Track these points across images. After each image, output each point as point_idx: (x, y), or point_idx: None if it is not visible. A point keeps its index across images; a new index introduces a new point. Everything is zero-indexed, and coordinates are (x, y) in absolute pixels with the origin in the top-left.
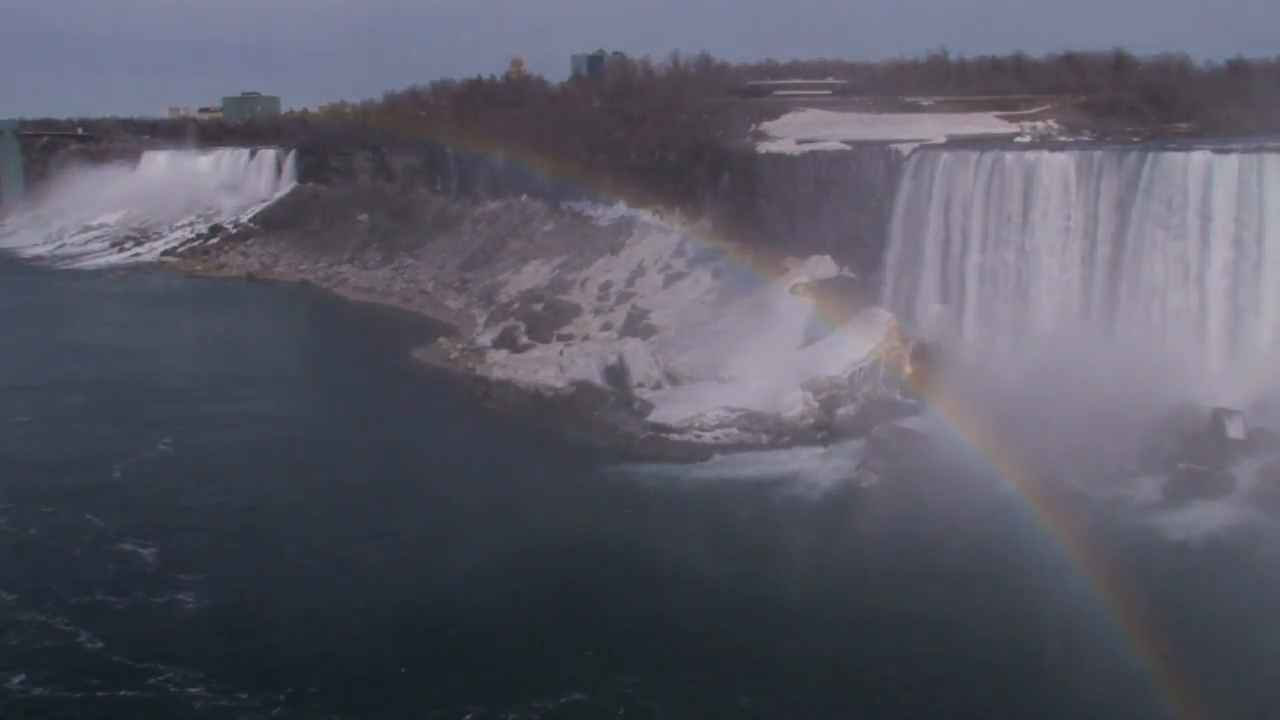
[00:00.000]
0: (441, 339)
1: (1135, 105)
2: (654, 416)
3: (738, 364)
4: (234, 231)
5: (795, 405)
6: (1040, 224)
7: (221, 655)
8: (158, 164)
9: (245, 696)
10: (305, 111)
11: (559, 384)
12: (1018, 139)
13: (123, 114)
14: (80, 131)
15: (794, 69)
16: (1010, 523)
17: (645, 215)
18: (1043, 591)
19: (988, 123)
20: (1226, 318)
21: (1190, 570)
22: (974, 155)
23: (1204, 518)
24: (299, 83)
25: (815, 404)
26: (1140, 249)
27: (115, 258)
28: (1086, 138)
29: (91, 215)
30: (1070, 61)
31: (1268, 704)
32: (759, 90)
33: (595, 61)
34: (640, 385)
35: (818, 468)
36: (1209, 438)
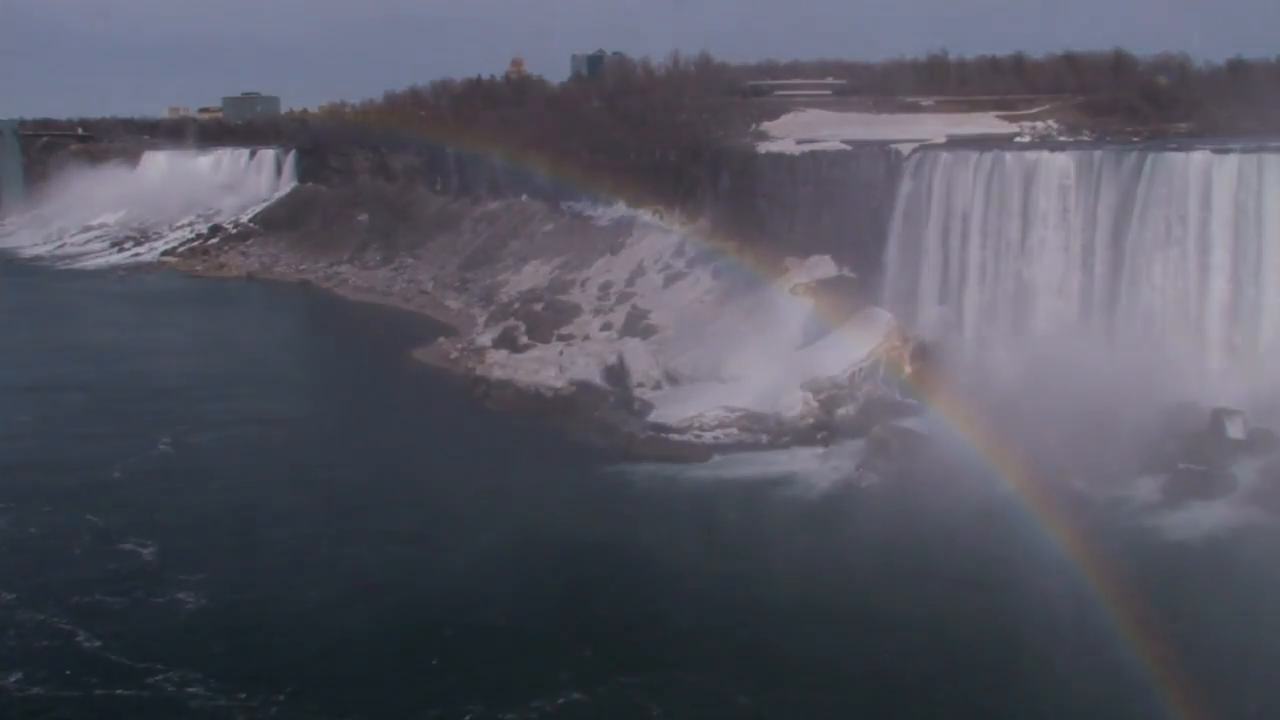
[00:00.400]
0: (441, 339)
1: (1135, 105)
2: (654, 416)
3: (738, 364)
4: (234, 231)
5: (795, 405)
6: (1040, 224)
7: (220, 654)
8: (157, 164)
9: (244, 696)
10: (305, 111)
11: (559, 384)
12: (1018, 139)
13: (123, 114)
14: (80, 131)
15: (794, 69)
16: (1010, 523)
17: (645, 215)
18: (1042, 592)
19: (988, 123)
20: (1226, 317)
21: (1190, 570)
22: (974, 155)
23: (1204, 518)
24: (299, 83)
25: (815, 404)
26: (1140, 249)
27: (115, 258)
28: (1086, 138)
29: (91, 215)
30: (1070, 61)
31: (1268, 704)
32: (759, 90)
33: (595, 61)
34: (640, 385)
35: (817, 468)
36: (1209, 438)
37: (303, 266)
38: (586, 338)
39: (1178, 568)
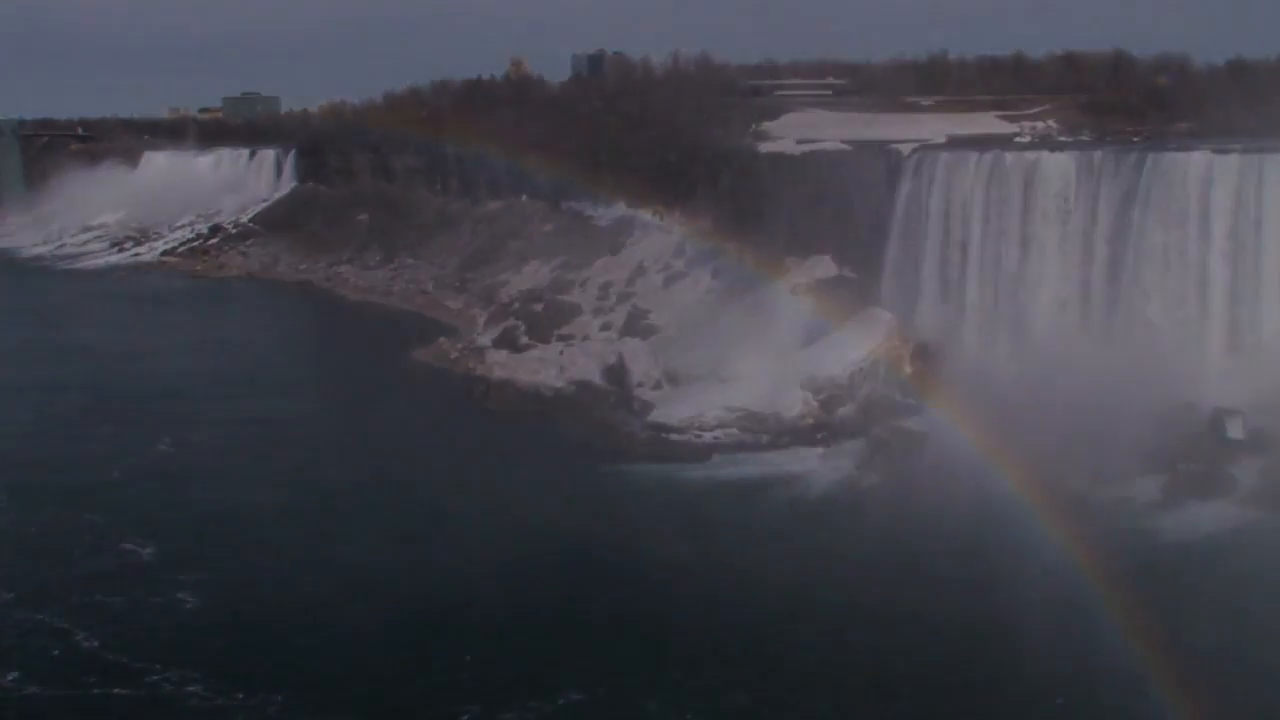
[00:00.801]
0: (441, 339)
1: (1135, 105)
2: (654, 416)
3: (738, 364)
4: (234, 231)
5: (795, 405)
6: (1040, 224)
7: (220, 654)
8: (157, 164)
9: (243, 696)
10: (305, 111)
11: (559, 384)
12: (1018, 139)
13: (123, 114)
14: (80, 131)
15: (794, 69)
16: (1010, 524)
17: (645, 215)
18: (1042, 592)
19: (988, 123)
20: (1226, 317)
21: (1190, 571)
22: (974, 155)
23: (1204, 518)
24: (299, 83)
25: (815, 404)
26: (1140, 249)
27: (115, 258)
28: (1086, 138)
29: (91, 215)
30: (1070, 61)
31: (1268, 703)
32: (759, 90)
33: (595, 61)
34: (640, 385)
35: (817, 468)
36: (1209, 438)
37: (303, 266)
38: (586, 338)
39: (1178, 568)
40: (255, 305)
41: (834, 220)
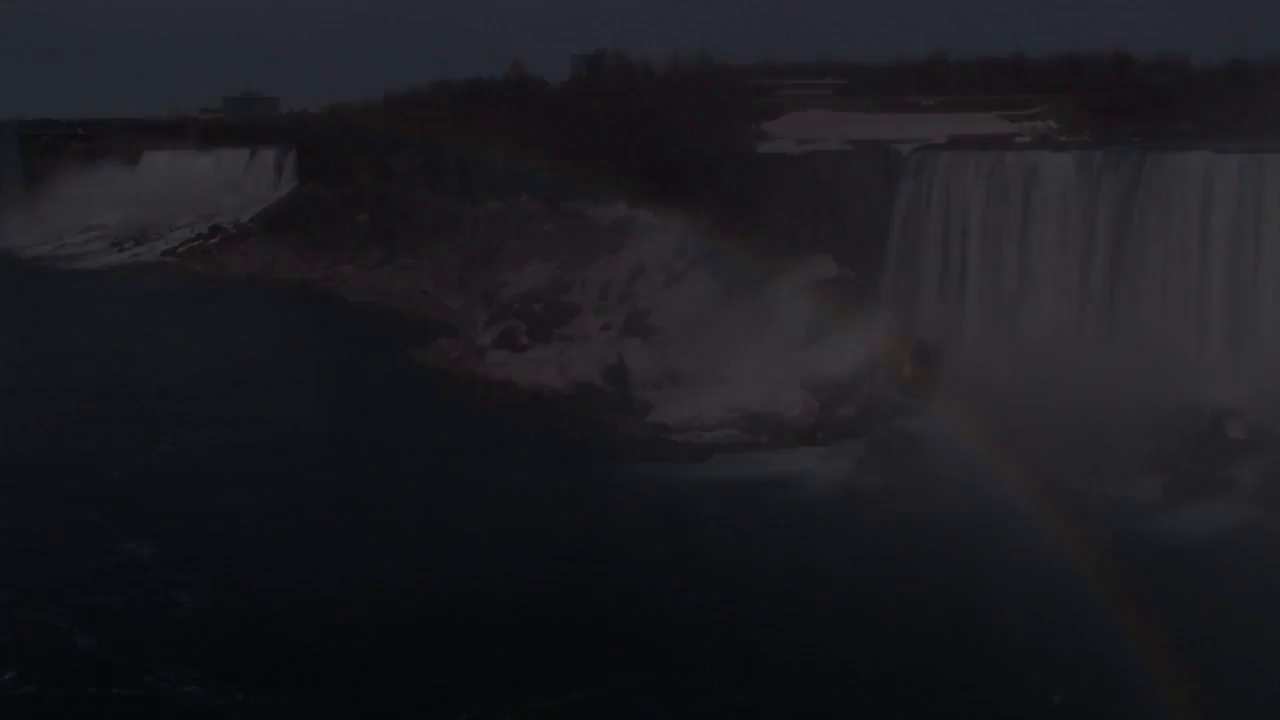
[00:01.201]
0: (441, 339)
1: (1135, 105)
2: (654, 416)
3: (738, 364)
4: (234, 232)
5: (795, 405)
6: (1040, 224)
7: (218, 654)
8: (158, 164)
9: (242, 696)
10: (305, 112)
11: (559, 384)
12: (1018, 139)
13: (123, 114)
14: (80, 131)
15: (794, 69)
16: (1010, 524)
17: (645, 215)
18: (1042, 593)
19: (988, 123)
20: (1226, 317)
21: (1190, 571)
22: (974, 155)
23: (1204, 518)
24: (299, 83)
25: (815, 404)
26: (1140, 249)
27: (115, 258)
28: (1086, 138)
29: (92, 215)
30: (1070, 61)
31: (1268, 704)
32: (759, 90)
33: (595, 61)
34: (640, 385)
35: (817, 468)
36: (1209, 438)
37: (303, 266)
38: (586, 338)
39: (1178, 568)
40: (255, 305)
41: (834, 220)
